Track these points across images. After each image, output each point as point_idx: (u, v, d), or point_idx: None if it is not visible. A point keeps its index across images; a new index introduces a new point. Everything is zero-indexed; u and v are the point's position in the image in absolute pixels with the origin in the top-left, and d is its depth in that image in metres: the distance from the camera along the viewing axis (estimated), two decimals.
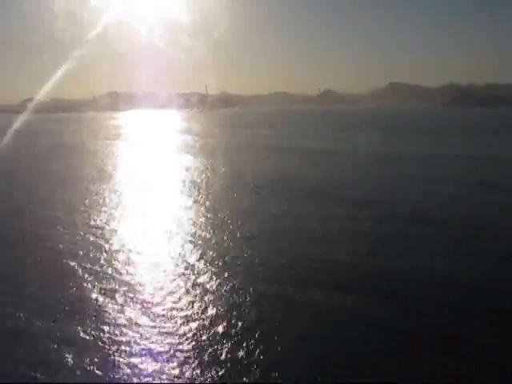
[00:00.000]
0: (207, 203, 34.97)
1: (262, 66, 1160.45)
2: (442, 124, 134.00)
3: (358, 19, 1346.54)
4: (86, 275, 19.53)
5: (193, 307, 15.92)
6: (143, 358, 12.16)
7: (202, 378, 11.25)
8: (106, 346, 12.95)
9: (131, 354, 12.44)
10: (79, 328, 13.95)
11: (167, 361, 12.19)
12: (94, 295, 17.34)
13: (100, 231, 26.00)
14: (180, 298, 16.88)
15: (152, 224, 27.42)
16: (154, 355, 12.39)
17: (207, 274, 19.30)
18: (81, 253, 22.57)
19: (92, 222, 27.98)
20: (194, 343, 13.10)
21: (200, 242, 24.23)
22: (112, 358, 12.27)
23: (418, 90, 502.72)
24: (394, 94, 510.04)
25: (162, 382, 11.11)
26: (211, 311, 15.20)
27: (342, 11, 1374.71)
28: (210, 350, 12.79)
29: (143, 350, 12.55)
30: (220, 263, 21.29)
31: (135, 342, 12.98)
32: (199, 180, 46.28)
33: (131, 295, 16.95)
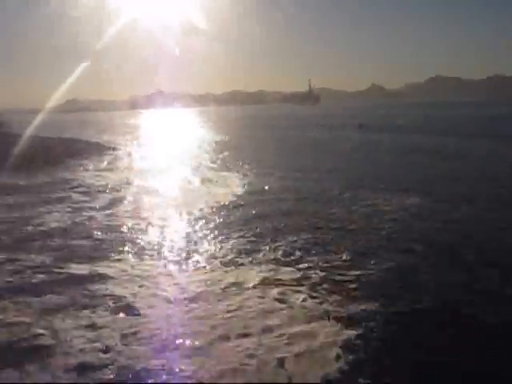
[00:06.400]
0: None
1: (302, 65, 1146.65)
2: None
3: (399, 16, 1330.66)
4: None
5: None
6: None
7: None
8: None
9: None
10: None
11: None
12: None
13: None
14: None
15: None
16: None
17: None
18: None
19: None
20: None
21: None
22: None
23: (460, 83, 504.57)
24: (435, 87, 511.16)
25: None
26: None
27: (382, 10, 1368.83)
28: None
29: None
30: None
31: None
32: None
33: None
